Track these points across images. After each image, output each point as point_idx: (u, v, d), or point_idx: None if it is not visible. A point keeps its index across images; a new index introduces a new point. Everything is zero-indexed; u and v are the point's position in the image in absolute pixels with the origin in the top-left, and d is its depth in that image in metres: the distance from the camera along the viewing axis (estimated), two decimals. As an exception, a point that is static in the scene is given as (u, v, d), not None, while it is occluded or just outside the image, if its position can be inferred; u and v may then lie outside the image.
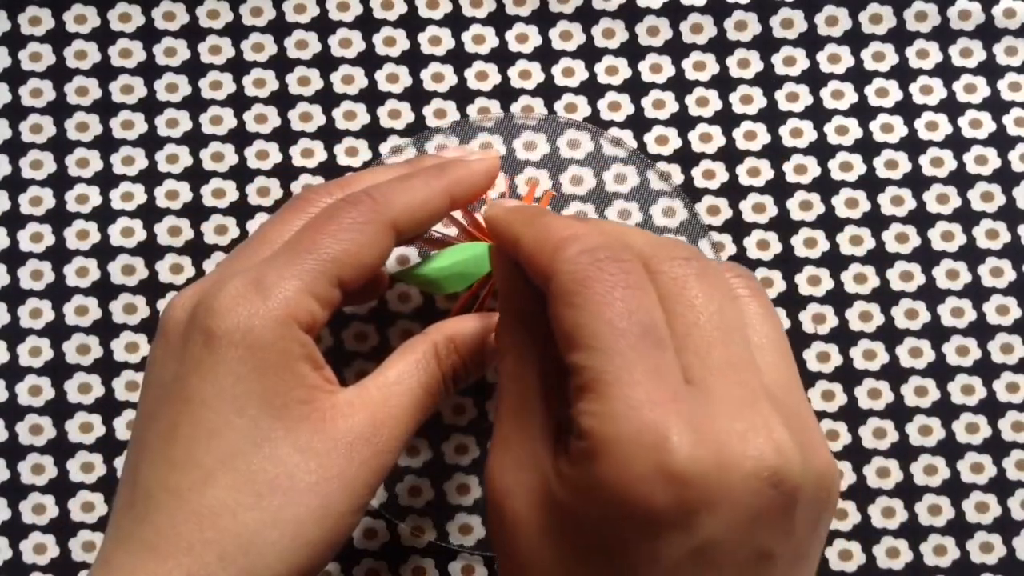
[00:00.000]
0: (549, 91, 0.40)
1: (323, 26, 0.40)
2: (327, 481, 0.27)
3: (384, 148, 0.39)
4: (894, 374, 0.38)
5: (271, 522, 0.26)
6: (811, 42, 0.40)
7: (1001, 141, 0.39)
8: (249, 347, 0.27)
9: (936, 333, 0.38)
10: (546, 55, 0.40)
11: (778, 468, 0.22)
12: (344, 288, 0.29)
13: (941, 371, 0.38)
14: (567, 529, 0.24)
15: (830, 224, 0.39)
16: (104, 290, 0.39)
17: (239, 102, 0.40)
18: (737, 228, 0.39)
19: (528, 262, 0.26)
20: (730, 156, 0.39)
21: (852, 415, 0.38)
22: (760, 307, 0.26)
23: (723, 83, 0.40)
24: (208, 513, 0.26)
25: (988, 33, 0.40)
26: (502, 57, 0.40)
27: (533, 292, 0.26)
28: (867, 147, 0.39)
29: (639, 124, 0.39)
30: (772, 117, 0.40)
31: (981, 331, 0.38)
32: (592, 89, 0.40)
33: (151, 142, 0.39)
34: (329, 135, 0.39)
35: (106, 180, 0.39)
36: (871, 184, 0.39)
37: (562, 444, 0.24)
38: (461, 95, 0.40)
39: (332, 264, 0.28)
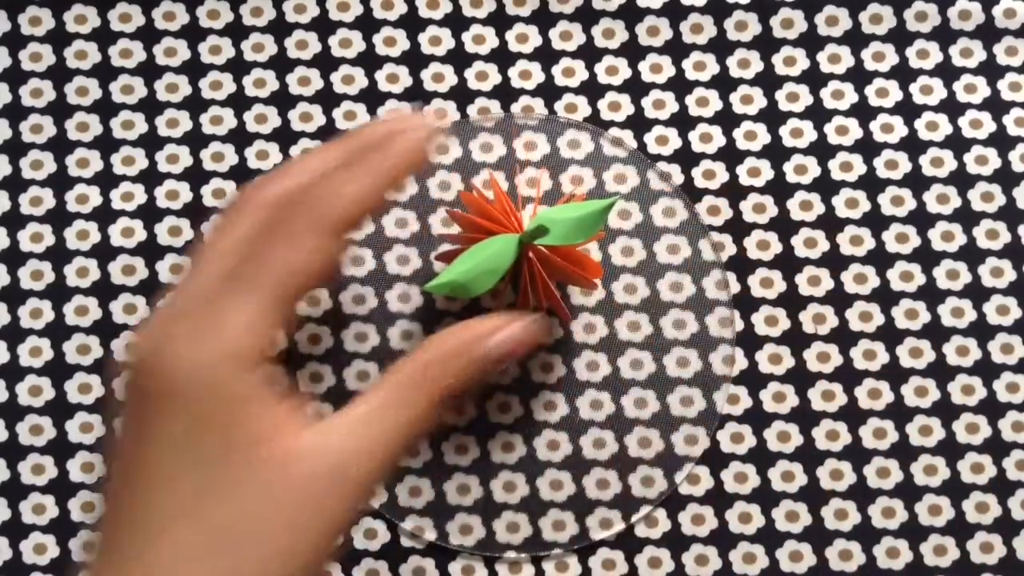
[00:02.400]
0: (549, 91, 0.40)
1: (323, 26, 0.40)
2: (292, 528, 0.25)
3: (384, 148, 0.39)
4: (894, 374, 0.38)
5: (233, 569, 0.25)
6: (811, 42, 0.40)
7: (1001, 141, 0.39)
8: (195, 398, 0.26)
9: (936, 333, 0.38)
10: (546, 55, 0.40)
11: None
12: (293, 300, 0.27)
13: (941, 371, 0.38)
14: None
15: (830, 224, 0.39)
16: (104, 290, 0.39)
17: (239, 102, 0.40)
18: (737, 228, 0.39)
19: None
20: (730, 156, 0.39)
21: (852, 415, 0.38)
22: None
23: (723, 83, 0.40)
24: (162, 563, 0.25)
25: (988, 33, 0.40)
26: (502, 57, 0.40)
27: None
28: (867, 147, 0.39)
29: (639, 124, 0.39)
30: (772, 117, 0.40)
31: (981, 331, 0.38)
32: (592, 89, 0.40)
33: (151, 142, 0.39)
34: (329, 135, 0.39)
35: (106, 180, 0.39)
36: (871, 184, 0.39)
37: None
38: (461, 95, 0.40)
39: (276, 287, 0.27)
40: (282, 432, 0.26)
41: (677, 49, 0.40)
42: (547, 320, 0.31)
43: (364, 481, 0.27)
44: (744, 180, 0.39)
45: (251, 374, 0.26)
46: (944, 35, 0.40)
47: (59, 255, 0.39)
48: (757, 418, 0.38)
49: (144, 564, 0.25)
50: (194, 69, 0.40)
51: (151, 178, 0.39)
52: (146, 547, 0.25)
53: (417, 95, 0.40)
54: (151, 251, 0.39)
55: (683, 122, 0.39)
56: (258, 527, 0.25)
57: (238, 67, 0.40)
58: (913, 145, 0.39)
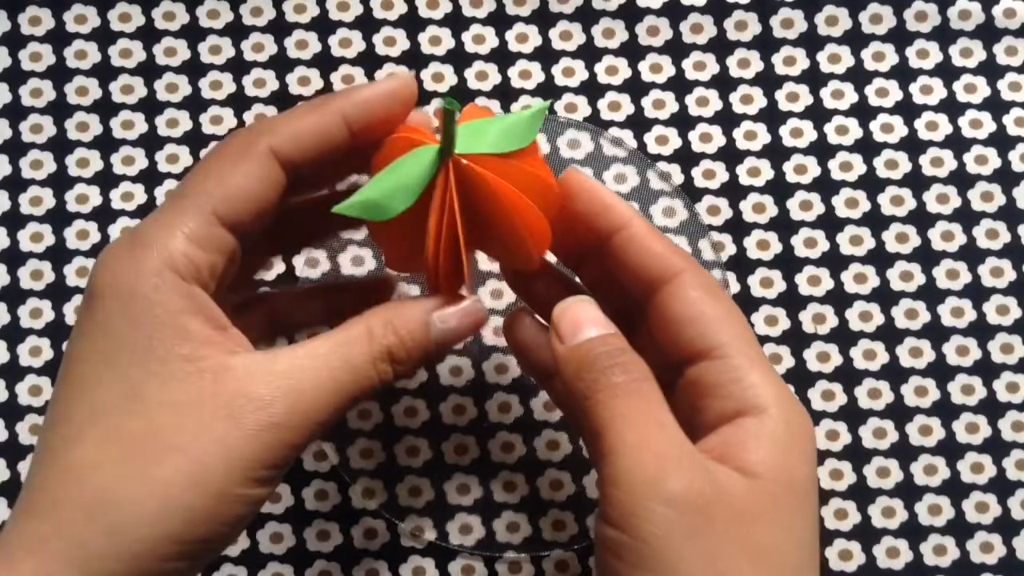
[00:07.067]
0: (549, 91, 0.40)
1: (323, 26, 0.40)
2: (202, 444, 0.25)
3: (384, 148, 0.39)
4: (894, 374, 0.38)
5: (136, 479, 0.25)
6: (811, 42, 0.40)
7: (1001, 141, 0.39)
8: (122, 300, 0.26)
9: (936, 333, 0.38)
10: (546, 55, 0.40)
11: None
12: (233, 227, 0.27)
13: (941, 371, 0.38)
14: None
15: (830, 224, 0.39)
16: (104, 290, 0.39)
17: (239, 102, 0.40)
18: (737, 228, 0.39)
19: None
20: (730, 156, 0.39)
21: (852, 415, 0.38)
22: None
23: (723, 83, 0.40)
24: (73, 468, 0.25)
25: (988, 33, 0.40)
26: (502, 57, 0.40)
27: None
28: (867, 147, 0.39)
29: (639, 124, 0.39)
30: (772, 117, 0.40)
31: (981, 331, 0.38)
32: (592, 89, 0.40)
33: (151, 142, 0.39)
34: (329, 135, 0.39)
35: (106, 180, 0.39)
36: (871, 184, 0.39)
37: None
38: (461, 95, 0.40)
39: (206, 199, 0.27)
40: (215, 350, 0.26)
41: (677, 49, 0.40)
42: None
43: (294, 419, 0.26)
44: (744, 180, 0.39)
45: (179, 288, 0.26)
46: (944, 35, 0.40)
47: (59, 255, 0.39)
48: (757, 418, 0.38)
49: (60, 465, 0.25)
50: (194, 69, 0.40)
51: (151, 178, 0.39)
52: (60, 451, 0.25)
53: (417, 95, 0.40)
54: (151, 251, 0.39)
55: (683, 122, 0.39)
56: (166, 439, 0.25)
57: (238, 67, 0.40)
58: (913, 145, 0.39)
